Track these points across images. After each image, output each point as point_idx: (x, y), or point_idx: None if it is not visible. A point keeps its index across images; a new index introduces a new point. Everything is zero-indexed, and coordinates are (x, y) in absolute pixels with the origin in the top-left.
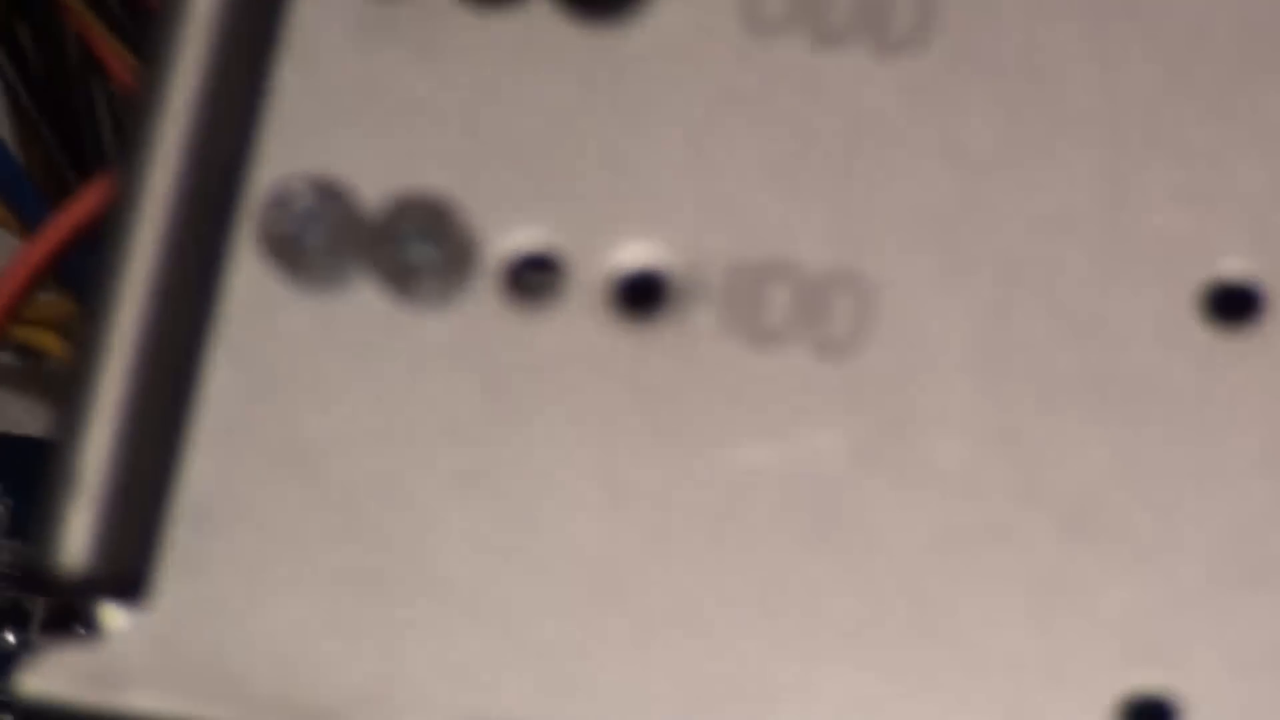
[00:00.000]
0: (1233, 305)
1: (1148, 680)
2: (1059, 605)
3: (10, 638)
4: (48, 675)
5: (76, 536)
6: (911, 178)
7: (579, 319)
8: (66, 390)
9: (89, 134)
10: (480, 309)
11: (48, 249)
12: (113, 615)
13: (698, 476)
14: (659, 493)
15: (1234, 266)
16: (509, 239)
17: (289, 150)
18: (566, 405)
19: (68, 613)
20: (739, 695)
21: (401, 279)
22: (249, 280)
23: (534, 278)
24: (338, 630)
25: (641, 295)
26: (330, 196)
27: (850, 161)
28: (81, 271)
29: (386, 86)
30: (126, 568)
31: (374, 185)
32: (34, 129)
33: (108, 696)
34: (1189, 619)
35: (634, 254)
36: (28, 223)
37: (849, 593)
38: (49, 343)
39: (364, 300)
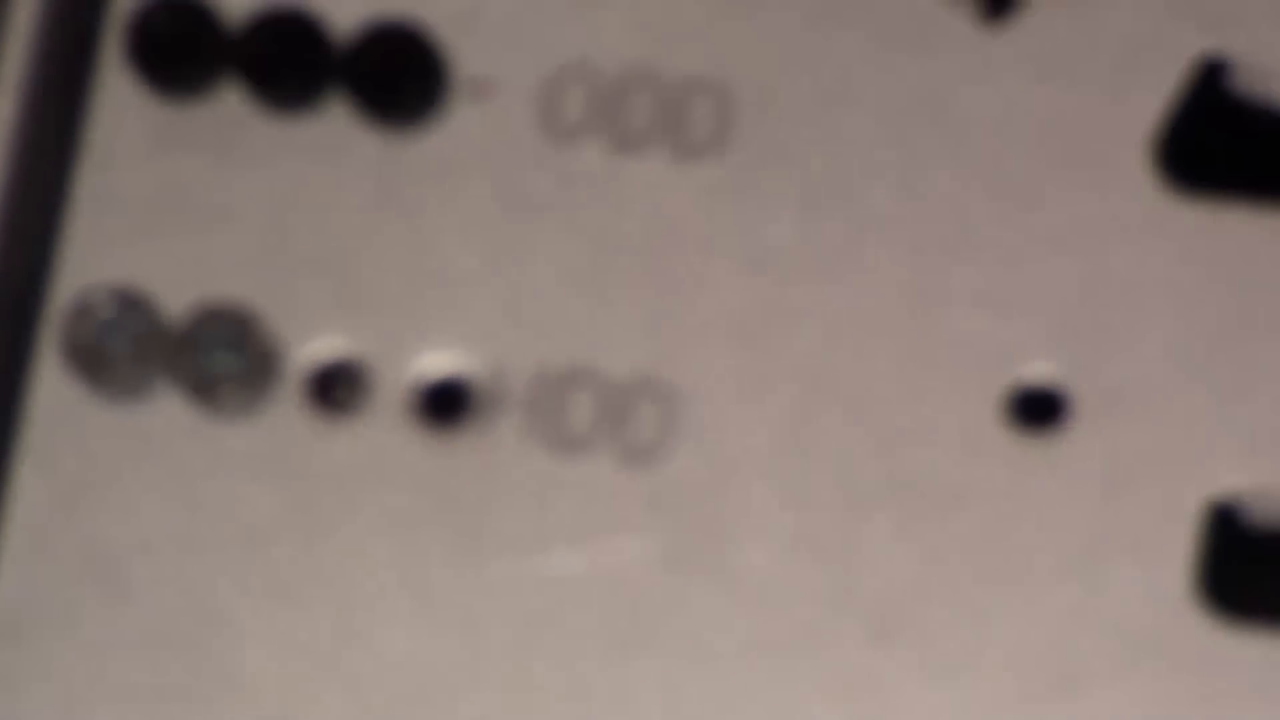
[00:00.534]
0: (1036, 409)
1: None
2: (867, 712)
3: None
4: None
5: None
6: (712, 283)
7: (382, 428)
8: None
9: None
10: (283, 418)
11: None
12: None
13: (506, 585)
14: (467, 602)
15: (1036, 371)
16: (311, 348)
17: (90, 260)
18: (371, 515)
19: None
20: None
21: (204, 388)
22: (53, 390)
23: (337, 388)
24: None
25: (445, 404)
26: (132, 306)
27: (651, 267)
28: None
29: (186, 194)
30: None
31: (176, 294)
32: None
33: None
34: None
35: (436, 363)
36: None
37: (660, 699)
38: None
39: (167, 409)
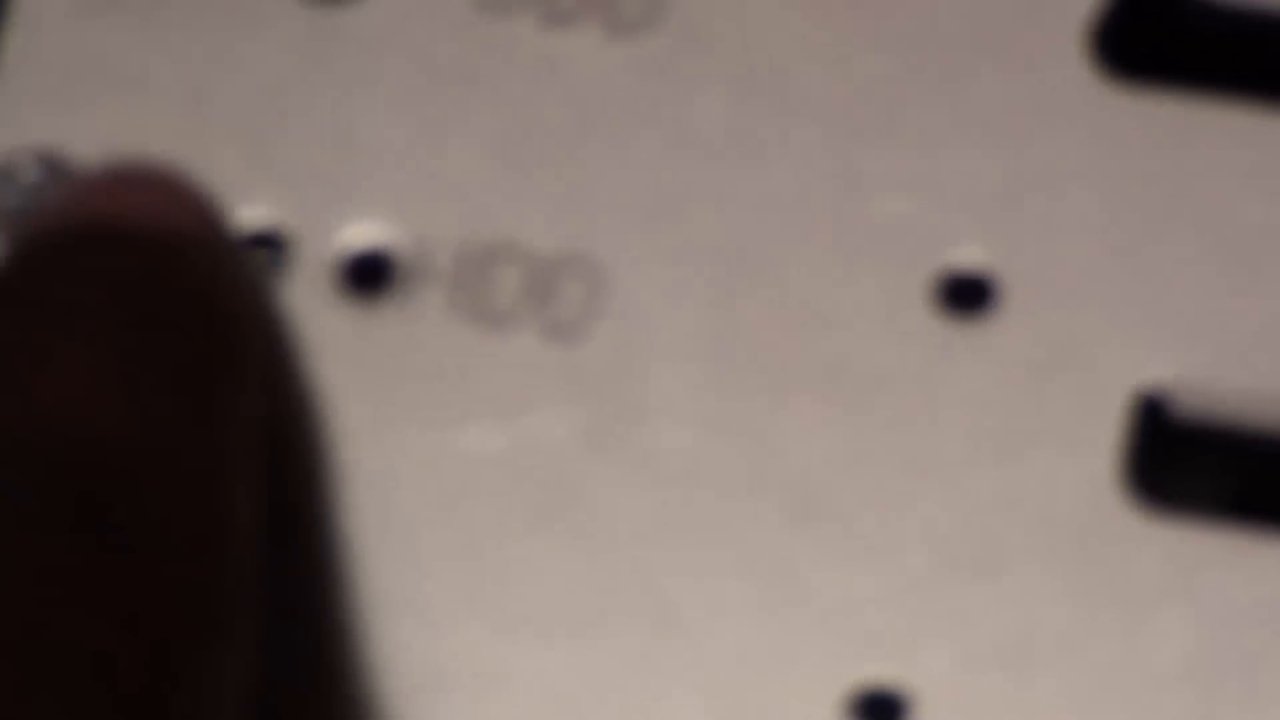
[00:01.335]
0: (963, 295)
1: (877, 673)
2: (786, 595)
3: None
4: None
5: None
6: (640, 160)
7: (305, 297)
8: None
9: None
10: None
11: None
12: None
13: (423, 458)
14: (383, 473)
15: (964, 256)
16: (234, 216)
17: (13, 124)
18: None
19: None
20: (457, 680)
21: None
22: None
23: (259, 255)
24: None
25: (368, 275)
26: (55, 170)
27: (579, 143)
28: None
29: (110, 59)
30: None
31: (100, 159)
32: None
33: None
34: (916, 610)
35: (361, 233)
36: None
37: (573, 578)
38: None
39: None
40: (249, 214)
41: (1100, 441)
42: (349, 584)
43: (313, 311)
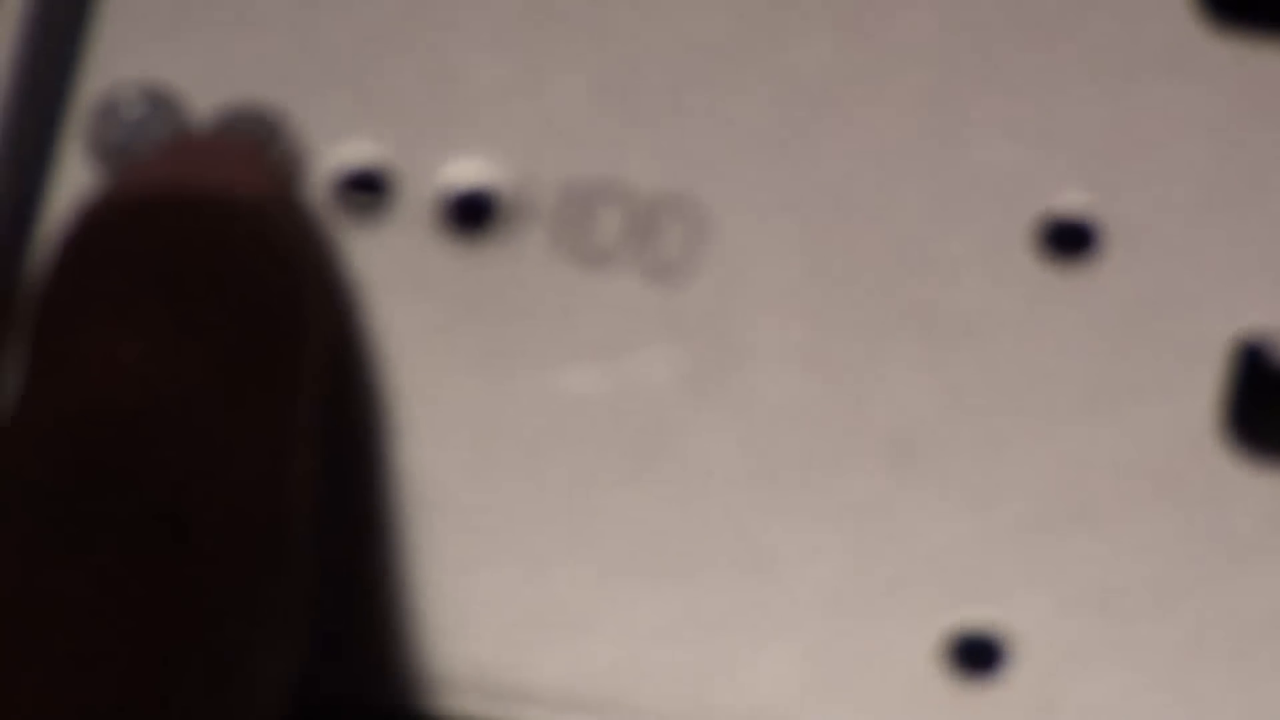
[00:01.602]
0: (1065, 240)
1: (974, 616)
2: (883, 539)
3: None
4: None
5: None
6: (744, 103)
7: (407, 234)
8: None
9: None
10: None
11: None
12: None
13: (524, 397)
14: (485, 411)
15: (1067, 201)
16: (339, 153)
17: (119, 58)
18: (393, 320)
19: None
20: (554, 622)
21: None
22: (77, 188)
23: (362, 194)
24: None
25: (471, 213)
26: (160, 105)
27: (683, 84)
28: None
29: None
30: None
31: (204, 94)
32: None
33: None
34: (1014, 556)
35: (464, 171)
36: None
37: (672, 521)
38: None
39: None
40: (352, 151)
41: (1200, 389)
42: (425, 532)
43: (415, 249)
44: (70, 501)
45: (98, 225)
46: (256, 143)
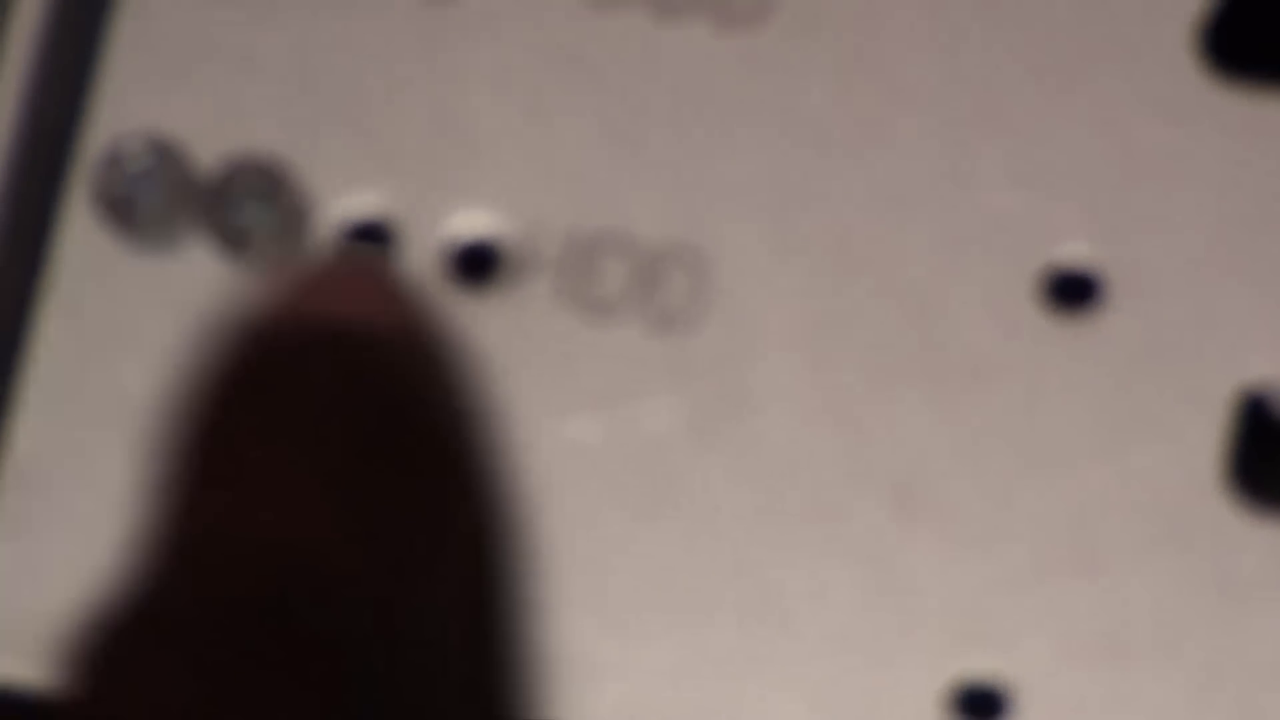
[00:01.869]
0: (1069, 291)
1: (978, 666)
2: (888, 587)
3: None
4: None
5: None
6: (748, 152)
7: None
8: None
9: None
10: None
11: None
12: None
13: (527, 447)
14: None
15: (1072, 252)
16: (343, 203)
17: (123, 109)
18: None
19: None
20: (565, 671)
21: (235, 241)
22: (81, 240)
23: (366, 245)
24: None
25: (476, 264)
26: (164, 156)
27: (687, 134)
28: None
29: (222, 44)
30: None
31: (209, 146)
32: None
33: None
34: (1019, 605)
35: (469, 222)
36: None
37: (676, 568)
38: None
39: (197, 261)
40: (356, 202)
41: (1203, 439)
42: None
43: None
44: (228, 633)
45: (245, 356)
46: (382, 263)
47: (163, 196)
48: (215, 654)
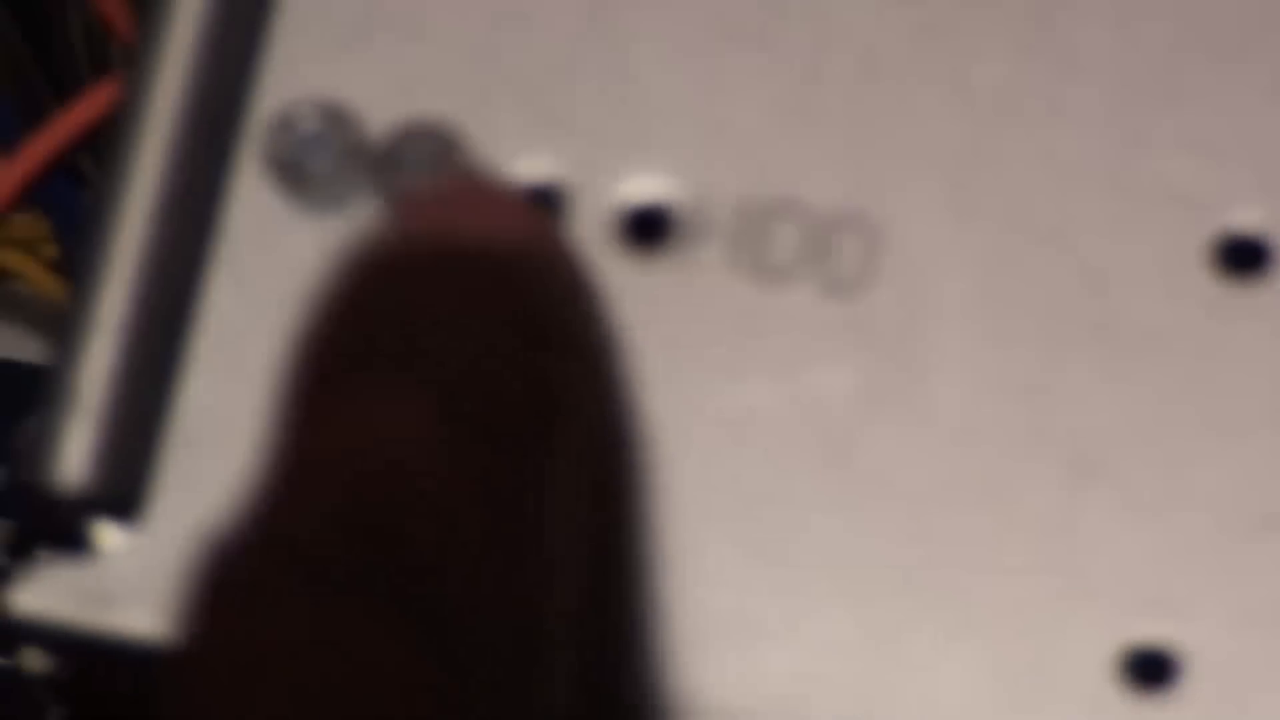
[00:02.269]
0: (1242, 257)
1: (1150, 631)
2: (1062, 553)
3: None
4: (41, 593)
5: (74, 455)
6: (921, 118)
7: (584, 251)
8: (67, 309)
9: (62, 50)
10: None
11: (26, 169)
12: (108, 534)
13: (700, 413)
14: (661, 428)
15: (1244, 218)
16: (514, 168)
17: (295, 74)
18: None
19: (30, 537)
20: (735, 635)
21: None
22: (251, 202)
23: (539, 209)
24: None
25: (648, 228)
26: (336, 121)
27: (859, 101)
28: (55, 193)
29: (393, 10)
30: (123, 487)
31: (380, 111)
32: (4, 45)
33: (101, 616)
34: (1193, 571)
35: (641, 187)
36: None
37: (850, 535)
38: (21, 264)
39: (367, 224)
40: (528, 166)
41: None
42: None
43: (591, 265)
44: (335, 558)
45: (363, 282)
46: (511, 190)
47: (333, 161)
48: (327, 572)
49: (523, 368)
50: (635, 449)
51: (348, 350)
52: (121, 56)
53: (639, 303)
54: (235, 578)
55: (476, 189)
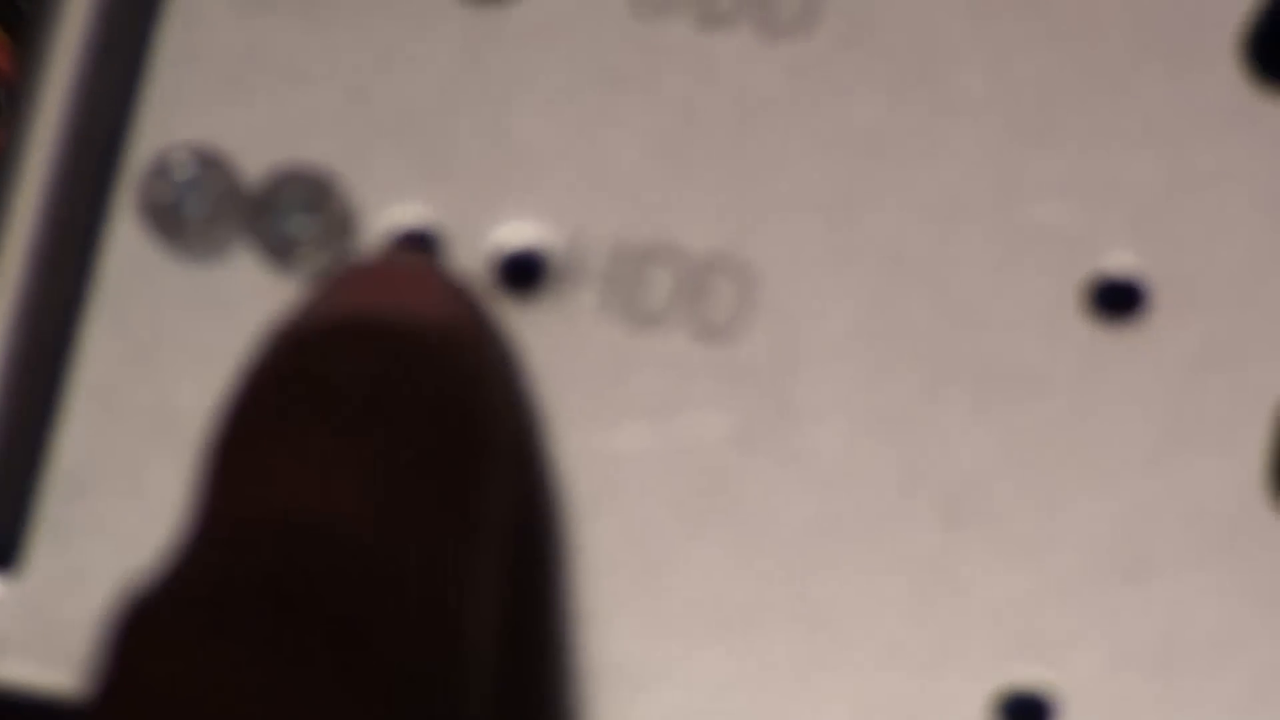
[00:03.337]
0: (1115, 300)
1: (1025, 674)
2: (938, 595)
3: None
4: None
5: None
6: (796, 161)
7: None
8: None
9: None
10: None
11: None
12: None
13: (574, 457)
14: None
15: (1117, 261)
16: (389, 214)
17: (170, 119)
18: None
19: None
20: (609, 678)
21: (281, 250)
22: (128, 248)
23: (412, 253)
24: None
25: (522, 273)
26: (211, 166)
27: (735, 144)
28: None
29: (269, 56)
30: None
31: (255, 156)
32: None
33: None
34: (1067, 613)
35: (515, 232)
36: None
37: (726, 577)
38: None
39: (243, 271)
40: (402, 211)
41: (1249, 446)
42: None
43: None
44: (256, 608)
45: (287, 350)
46: (430, 261)
47: (209, 206)
48: (244, 628)
49: (445, 414)
50: (551, 514)
51: (271, 413)
52: (5, 99)
53: (514, 346)
54: (157, 634)
55: (401, 265)
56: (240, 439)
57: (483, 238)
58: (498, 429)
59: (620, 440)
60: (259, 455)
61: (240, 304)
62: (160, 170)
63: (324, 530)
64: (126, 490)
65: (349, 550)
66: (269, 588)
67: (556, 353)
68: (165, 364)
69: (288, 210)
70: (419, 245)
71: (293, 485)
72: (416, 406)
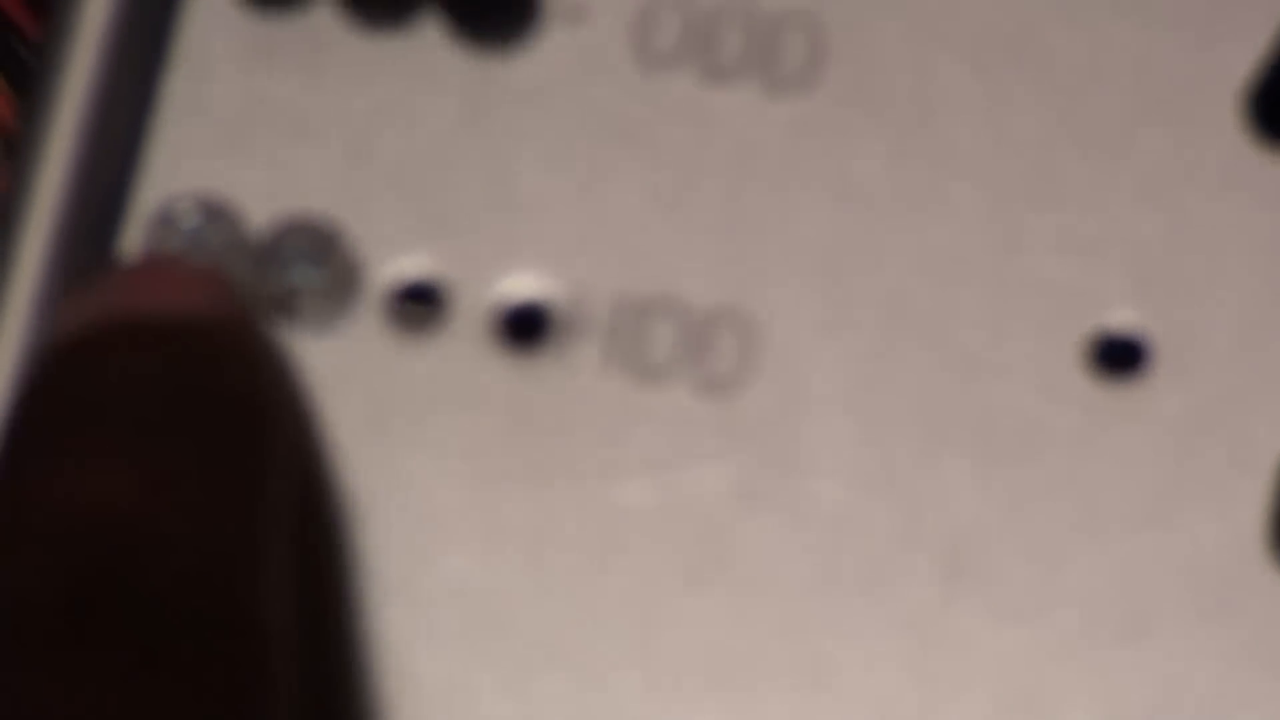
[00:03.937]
0: (1117, 357)
1: None
2: (936, 651)
3: None
4: None
5: None
6: (798, 216)
7: (461, 349)
8: None
9: None
10: (362, 335)
11: None
12: None
13: (577, 512)
14: (537, 527)
15: (1119, 318)
16: (393, 266)
17: (175, 171)
18: (446, 435)
19: None
20: None
21: (285, 301)
22: None
23: (415, 306)
24: None
25: (525, 327)
26: (216, 217)
27: (737, 198)
28: None
29: (274, 108)
30: None
31: (260, 207)
32: None
33: None
34: (1064, 671)
35: (518, 285)
36: None
37: (726, 632)
38: None
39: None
40: (406, 265)
41: (1249, 505)
42: (476, 647)
43: (468, 363)
44: (70, 614)
45: (51, 362)
46: (196, 262)
47: (213, 257)
48: (59, 627)
49: (226, 411)
50: (338, 512)
51: (50, 422)
52: (3, 148)
53: (515, 401)
54: None
55: (159, 265)
56: (23, 451)
57: (486, 291)
58: (277, 419)
59: (621, 494)
60: (33, 467)
61: None
62: (165, 220)
63: (103, 533)
64: None
65: (128, 551)
66: (47, 597)
67: (559, 407)
68: None
69: (292, 261)
70: (422, 298)
71: (68, 491)
72: (189, 403)
